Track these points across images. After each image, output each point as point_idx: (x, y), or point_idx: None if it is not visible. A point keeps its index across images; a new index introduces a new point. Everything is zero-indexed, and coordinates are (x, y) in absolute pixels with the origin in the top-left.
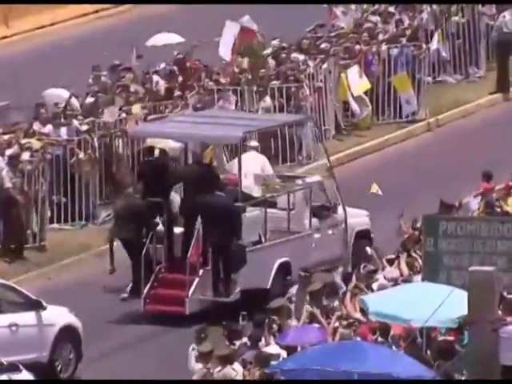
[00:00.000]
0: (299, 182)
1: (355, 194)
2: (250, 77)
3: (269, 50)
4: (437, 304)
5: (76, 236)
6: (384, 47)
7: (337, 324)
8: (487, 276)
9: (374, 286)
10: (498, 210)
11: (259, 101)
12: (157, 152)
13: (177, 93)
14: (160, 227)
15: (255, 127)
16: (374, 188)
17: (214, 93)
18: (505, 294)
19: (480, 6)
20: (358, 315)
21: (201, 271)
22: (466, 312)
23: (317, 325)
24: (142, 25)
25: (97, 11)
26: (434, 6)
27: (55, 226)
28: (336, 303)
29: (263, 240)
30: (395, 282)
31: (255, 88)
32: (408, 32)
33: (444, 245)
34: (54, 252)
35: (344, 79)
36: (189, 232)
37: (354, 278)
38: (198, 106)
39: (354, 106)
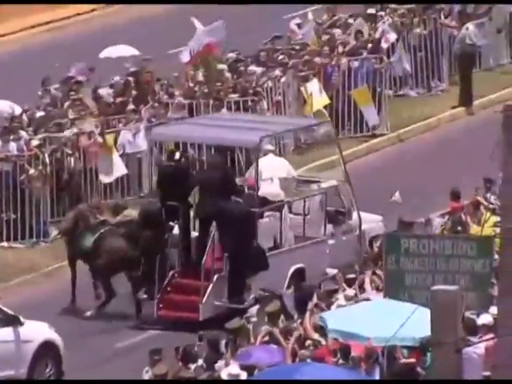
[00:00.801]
0: (314, 186)
1: None
2: (205, 90)
3: (225, 63)
4: (398, 322)
5: (26, 254)
6: (344, 60)
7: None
8: (450, 295)
9: (334, 306)
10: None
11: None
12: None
13: (130, 106)
14: (175, 231)
15: (273, 131)
16: (396, 197)
17: (168, 106)
18: (467, 314)
19: (442, 17)
20: (317, 336)
21: (215, 277)
22: (428, 332)
23: (275, 345)
24: (98, 36)
25: (47, 22)
26: (396, 18)
27: (4, 244)
28: (295, 324)
29: (279, 245)
30: (354, 302)
31: (211, 101)
32: (369, 44)
33: (406, 263)
34: (3, 271)
35: (304, 93)
36: (203, 237)
37: (314, 297)
38: (152, 120)
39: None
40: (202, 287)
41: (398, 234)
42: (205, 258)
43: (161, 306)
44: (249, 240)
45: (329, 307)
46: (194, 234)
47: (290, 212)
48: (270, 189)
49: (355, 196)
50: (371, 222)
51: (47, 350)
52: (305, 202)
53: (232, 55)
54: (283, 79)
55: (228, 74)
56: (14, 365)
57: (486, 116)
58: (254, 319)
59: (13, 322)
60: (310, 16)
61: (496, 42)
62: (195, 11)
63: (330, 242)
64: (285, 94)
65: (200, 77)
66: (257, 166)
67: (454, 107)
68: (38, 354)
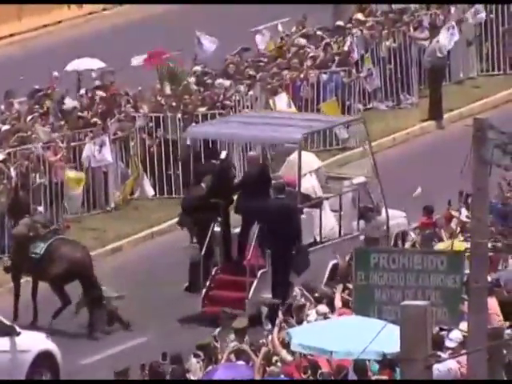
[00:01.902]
0: (346, 183)
1: None
2: (173, 104)
3: (192, 76)
4: (364, 337)
5: None
6: (313, 73)
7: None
8: (420, 311)
9: (305, 322)
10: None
11: (184, 127)
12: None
13: (96, 120)
14: (216, 228)
15: (313, 128)
16: (418, 192)
17: (134, 119)
18: (436, 329)
19: (412, 30)
20: (284, 352)
21: (259, 273)
22: (396, 347)
23: (243, 362)
24: (63, 49)
25: (11, 35)
26: (365, 31)
27: None
28: (263, 340)
29: (318, 241)
30: (324, 317)
31: (179, 115)
32: (338, 57)
33: (375, 278)
34: None
35: (272, 106)
36: (246, 234)
37: (280, 313)
38: (117, 133)
39: None
40: (247, 283)
41: (367, 249)
42: (250, 254)
43: (206, 302)
44: (292, 237)
45: (300, 323)
46: (234, 230)
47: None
48: (307, 184)
49: (383, 192)
50: (396, 218)
51: (44, 359)
52: (341, 198)
53: (198, 68)
54: (251, 92)
55: (195, 87)
56: (12, 375)
57: (456, 130)
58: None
59: (9, 332)
60: (280, 28)
61: (466, 54)
62: (163, 22)
63: (362, 237)
64: (253, 107)
65: (168, 90)
66: (299, 162)
67: (423, 120)
68: (35, 364)
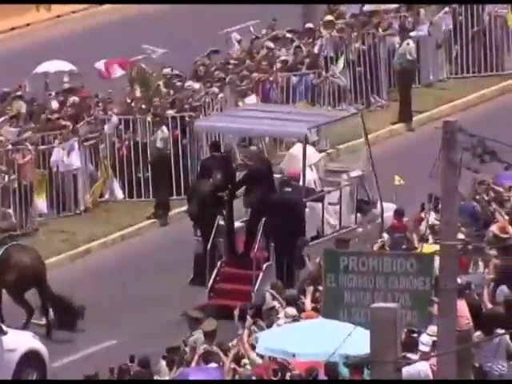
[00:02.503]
0: (344, 176)
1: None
2: (143, 106)
3: (162, 79)
4: (328, 340)
5: None
6: (282, 75)
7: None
8: (390, 313)
9: (275, 324)
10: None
11: (154, 130)
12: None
13: (66, 122)
14: (220, 222)
15: (318, 123)
16: (397, 180)
17: (104, 122)
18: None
19: (381, 31)
20: (254, 355)
21: (264, 266)
22: (361, 350)
23: (215, 364)
24: (33, 51)
25: None
26: (334, 33)
27: None
28: (234, 341)
29: (321, 234)
30: (293, 320)
31: (149, 118)
32: (307, 59)
33: (345, 281)
34: None
35: None
36: (254, 227)
37: (248, 316)
38: (88, 137)
39: None
40: (254, 275)
41: (337, 252)
42: (257, 247)
43: (211, 294)
44: (297, 230)
45: (270, 326)
46: (236, 224)
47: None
48: (308, 177)
49: (379, 185)
50: (390, 210)
51: (31, 358)
52: (341, 191)
53: (167, 70)
54: (221, 95)
55: (165, 90)
56: None
57: (426, 132)
58: (191, 338)
59: None
60: (252, 29)
61: (435, 57)
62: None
63: (359, 230)
64: (222, 110)
65: (138, 93)
66: (304, 156)
67: (393, 123)
68: (22, 363)
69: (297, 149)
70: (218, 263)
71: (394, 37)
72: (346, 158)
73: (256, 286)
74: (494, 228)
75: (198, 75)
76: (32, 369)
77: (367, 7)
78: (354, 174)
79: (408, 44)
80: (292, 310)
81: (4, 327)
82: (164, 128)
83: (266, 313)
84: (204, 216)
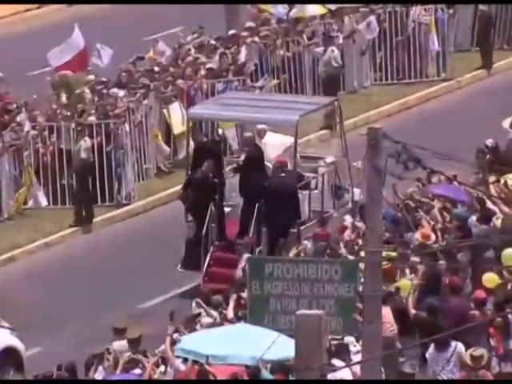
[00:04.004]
0: (321, 162)
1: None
2: (68, 113)
3: (86, 86)
4: (249, 344)
5: None
6: (208, 82)
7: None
8: (314, 320)
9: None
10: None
11: (78, 138)
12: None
13: None
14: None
15: (309, 110)
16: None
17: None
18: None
19: (306, 40)
20: (177, 362)
21: (257, 251)
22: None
23: (139, 371)
24: None
25: None
26: (258, 40)
27: None
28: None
29: (307, 220)
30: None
31: (73, 125)
32: (233, 67)
33: (270, 288)
34: None
35: (166, 115)
36: (248, 212)
37: (169, 325)
38: (14, 144)
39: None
40: None
41: (262, 258)
42: (252, 232)
43: (206, 278)
44: (292, 215)
45: (192, 332)
46: (227, 209)
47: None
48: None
49: (351, 170)
50: (360, 195)
51: (8, 355)
52: (323, 177)
53: (92, 77)
54: (145, 101)
55: (89, 96)
56: None
57: (351, 139)
58: (114, 346)
59: None
60: (181, 34)
61: (359, 64)
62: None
63: (335, 215)
64: (147, 116)
65: (64, 99)
66: (295, 143)
67: (320, 129)
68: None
69: (269, 137)
70: (211, 248)
71: (318, 45)
72: (318, 145)
73: None
74: (417, 235)
75: (123, 82)
76: (9, 366)
77: (293, 13)
78: (329, 160)
79: (333, 51)
80: (208, 319)
81: None
82: (87, 138)
83: (190, 320)
84: (197, 202)
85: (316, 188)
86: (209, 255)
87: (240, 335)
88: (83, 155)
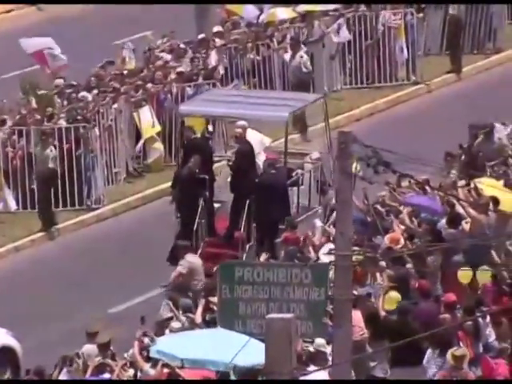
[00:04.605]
0: (307, 158)
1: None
2: (38, 117)
3: (55, 89)
4: (222, 349)
5: None
6: (178, 86)
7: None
8: (285, 324)
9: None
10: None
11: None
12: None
13: None
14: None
15: (298, 107)
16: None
17: None
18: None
19: (276, 44)
20: (147, 366)
21: (247, 246)
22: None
23: (108, 375)
24: None
25: None
26: (229, 44)
27: None
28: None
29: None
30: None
31: (43, 127)
32: (203, 71)
33: (240, 292)
34: None
35: (136, 119)
36: (239, 208)
37: (139, 329)
38: None
39: None
40: (240, 256)
41: (232, 262)
42: (243, 227)
43: None
44: (286, 211)
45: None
46: (216, 205)
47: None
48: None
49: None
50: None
51: (4, 355)
52: (310, 173)
53: (60, 81)
54: (115, 105)
55: (59, 100)
56: None
57: (321, 143)
58: (85, 349)
59: None
60: (152, 37)
61: (329, 68)
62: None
63: (320, 211)
64: (117, 120)
65: (34, 103)
66: (286, 139)
67: (289, 134)
68: None
69: (250, 135)
70: (201, 244)
71: (288, 49)
72: (300, 142)
73: None
74: (386, 239)
75: (92, 86)
76: (6, 365)
77: (263, 17)
78: (314, 156)
79: (302, 57)
80: (177, 324)
81: None
82: (52, 148)
83: (160, 323)
84: (184, 198)
85: (302, 184)
86: (199, 251)
87: (216, 339)
88: (51, 165)
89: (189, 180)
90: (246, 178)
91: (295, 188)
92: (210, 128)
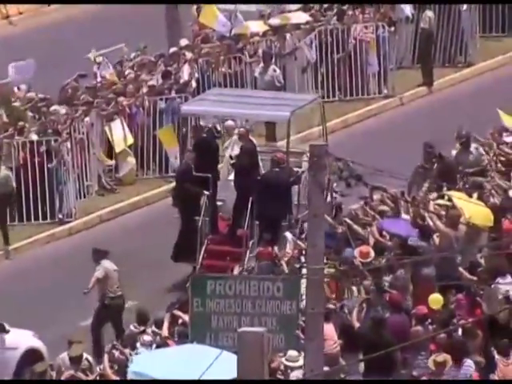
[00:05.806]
0: (305, 157)
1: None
2: (10, 130)
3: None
4: (197, 365)
5: None
6: (150, 99)
7: None
8: (257, 337)
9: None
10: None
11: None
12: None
13: None
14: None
15: (299, 106)
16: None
17: None
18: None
19: (248, 57)
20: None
21: (250, 243)
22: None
23: None
24: None
25: None
26: (201, 57)
27: None
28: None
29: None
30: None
31: (15, 142)
32: (175, 85)
33: (212, 305)
34: None
35: (108, 132)
36: (242, 205)
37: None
38: None
39: None
40: (243, 253)
41: (204, 276)
42: (247, 225)
43: (202, 271)
44: (289, 209)
45: (133, 349)
46: (219, 203)
47: None
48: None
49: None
50: None
51: (31, 357)
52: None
53: (31, 94)
54: (87, 118)
55: (30, 114)
56: None
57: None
58: (57, 362)
59: None
60: (125, 49)
61: (301, 81)
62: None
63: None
64: (89, 134)
65: (5, 117)
66: (288, 138)
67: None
68: (22, 361)
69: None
70: (205, 241)
71: (259, 62)
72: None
73: (245, 264)
74: (356, 253)
75: (64, 99)
76: (32, 367)
77: (235, 30)
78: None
79: (275, 71)
80: (148, 337)
81: (6, 326)
82: (3, 168)
83: (130, 338)
84: (184, 195)
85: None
86: (203, 248)
87: (189, 356)
88: (14, 184)
89: (188, 174)
90: (250, 176)
91: (296, 186)
92: (219, 127)
